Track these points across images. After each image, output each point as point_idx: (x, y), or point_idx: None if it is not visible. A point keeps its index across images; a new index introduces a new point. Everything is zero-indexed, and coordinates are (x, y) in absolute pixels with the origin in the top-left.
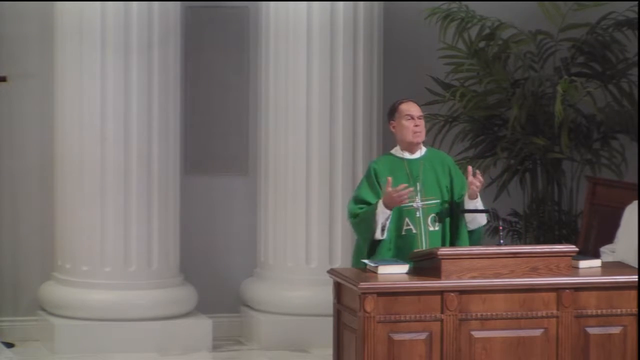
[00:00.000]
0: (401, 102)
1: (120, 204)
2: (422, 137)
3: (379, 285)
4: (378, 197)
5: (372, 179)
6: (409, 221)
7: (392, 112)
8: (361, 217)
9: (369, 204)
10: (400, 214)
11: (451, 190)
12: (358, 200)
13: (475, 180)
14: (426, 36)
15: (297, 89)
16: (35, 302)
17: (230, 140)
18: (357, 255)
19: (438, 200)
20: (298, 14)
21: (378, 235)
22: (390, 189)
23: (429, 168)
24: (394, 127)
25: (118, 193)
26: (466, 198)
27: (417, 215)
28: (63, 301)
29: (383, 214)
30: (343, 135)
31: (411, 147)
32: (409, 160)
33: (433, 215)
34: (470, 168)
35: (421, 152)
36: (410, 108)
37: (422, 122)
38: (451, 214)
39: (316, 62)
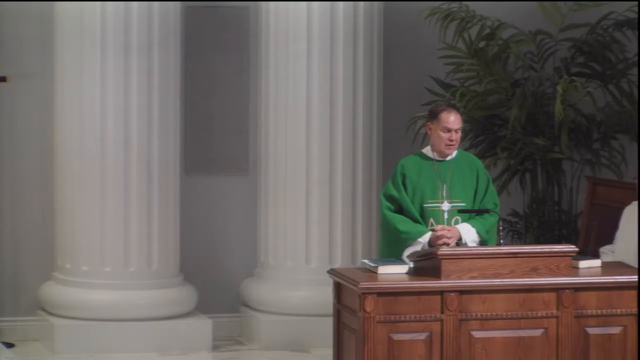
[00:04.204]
0: (443, 110)
1: (120, 204)
2: (454, 149)
3: (379, 285)
4: (400, 193)
5: (397, 177)
6: (433, 221)
7: (432, 116)
8: (402, 237)
9: (394, 199)
10: (424, 212)
11: (474, 194)
12: (387, 195)
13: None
14: (426, 36)
15: (297, 89)
16: (35, 302)
17: (230, 140)
18: (386, 246)
19: (464, 203)
20: (298, 14)
21: (405, 253)
22: (436, 233)
23: (458, 171)
24: (429, 129)
25: (118, 193)
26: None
27: (445, 217)
28: (63, 301)
29: (420, 244)
30: (343, 135)
31: (442, 154)
32: (439, 162)
33: (456, 218)
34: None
35: (452, 154)
36: (450, 120)
37: (458, 135)
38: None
39: (316, 62)
